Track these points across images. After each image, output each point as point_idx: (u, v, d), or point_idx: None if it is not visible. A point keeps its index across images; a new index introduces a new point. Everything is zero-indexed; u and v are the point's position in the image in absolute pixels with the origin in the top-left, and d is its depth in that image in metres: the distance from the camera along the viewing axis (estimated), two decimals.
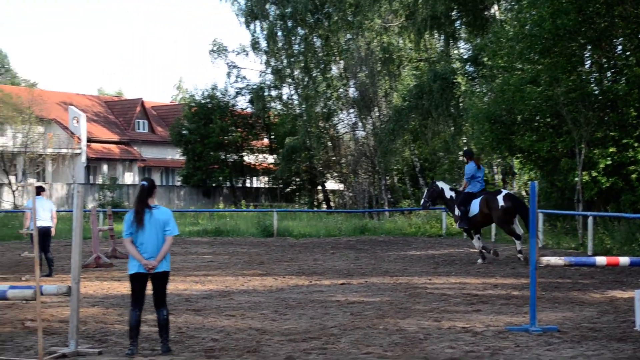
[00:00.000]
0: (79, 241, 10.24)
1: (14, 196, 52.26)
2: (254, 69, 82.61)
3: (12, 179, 53.91)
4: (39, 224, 19.28)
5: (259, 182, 70.66)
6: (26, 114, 55.43)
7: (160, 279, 10.48)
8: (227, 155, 63.60)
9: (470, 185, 22.02)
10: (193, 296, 15.91)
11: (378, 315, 13.17)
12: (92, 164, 67.49)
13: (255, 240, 33.15)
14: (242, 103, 63.44)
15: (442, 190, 22.90)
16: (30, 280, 18.45)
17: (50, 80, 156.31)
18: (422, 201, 23.99)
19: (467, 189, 22.08)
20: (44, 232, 19.55)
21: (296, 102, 55.74)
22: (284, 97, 58.04)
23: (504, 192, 22.44)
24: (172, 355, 10.23)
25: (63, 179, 61.95)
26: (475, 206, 21.70)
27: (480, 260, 22.06)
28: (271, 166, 64.45)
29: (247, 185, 69.05)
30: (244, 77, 61.16)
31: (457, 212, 22.13)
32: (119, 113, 74.36)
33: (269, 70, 55.91)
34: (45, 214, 19.61)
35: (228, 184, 64.87)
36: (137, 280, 10.44)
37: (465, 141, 41.33)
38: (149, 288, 10.52)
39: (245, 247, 29.42)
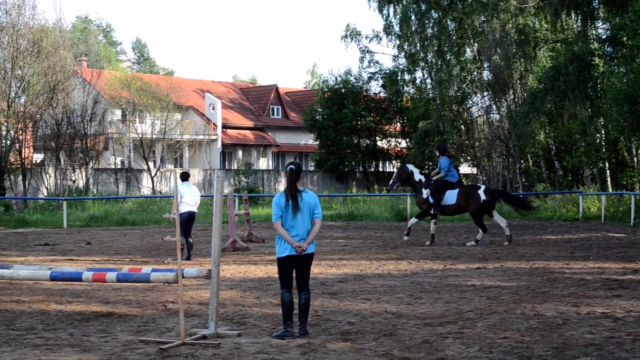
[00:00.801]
0: (219, 225, 10.45)
1: (153, 182, 53.67)
2: (387, 53, 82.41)
3: (151, 165, 55.38)
4: (186, 209, 19.81)
5: (392, 167, 70.58)
6: (164, 101, 56.81)
7: (308, 262, 10.63)
8: (360, 140, 63.73)
9: (448, 176, 23.36)
10: (328, 280, 16.07)
11: (515, 300, 13.03)
12: (228, 150, 68.68)
13: (388, 224, 33.19)
14: (375, 88, 63.49)
15: (412, 172, 24.02)
16: (172, 263, 18.96)
17: (187, 68, 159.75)
18: (391, 181, 25.09)
19: (446, 179, 23.26)
20: (190, 217, 20.06)
21: (429, 86, 55.38)
22: (417, 81, 57.68)
23: (483, 186, 24.16)
24: (308, 337, 10.36)
25: (199, 164, 63.28)
26: (452, 197, 23.15)
27: (428, 243, 23.69)
28: (404, 150, 64.24)
29: (380, 169, 69.06)
30: (377, 62, 61.12)
31: (425, 195, 23.38)
32: (253, 99, 75.40)
33: (402, 54, 55.66)
34: (191, 200, 20.09)
35: (361, 168, 65.04)
36: (288, 263, 10.56)
37: (602, 123, 40.36)
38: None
39: (378, 231, 29.50)
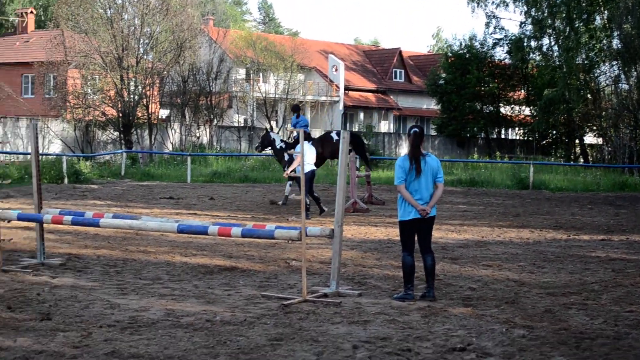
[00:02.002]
0: (343, 186, 10.48)
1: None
2: (514, 19, 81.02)
3: (273, 124, 55.89)
4: (306, 168, 19.96)
5: (515, 134, 69.58)
6: (288, 61, 57.14)
7: (430, 225, 10.60)
8: (483, 106, 62.94)
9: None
10: (449, 244, 16.00)
11: None
12: (349, 112, 68.80)
13: (509, 192, 32.79)
14: (500, 54, 62.48)
15: (274, 140, 24.56)
16: (295, 221, 19.15)
17: (312, 30, 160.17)
18: (256, 145, 26.75)
19: (294, 135, 24.02)
20: (310, 176, 20.23)
21: (556, 54, 54.21)
22: (544, 48, 56.51)
23: (335, 131, 25.50)
24: (429, 301, 10.35)
25: (321, 125, 63.53)
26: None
27: (280, 202, 24.13)
28: (527, 118, 63.22)
29: (502, 136, 68.16)
30: (503, 28, 60.18)
31: (286, 157, 23.40)
32: (376, 62, 75.21)
33: (529, 20, 54.57)
34: (312, 159, 20.22)
35: (483, 134, 64.30)
36: (411, 226, 10.53)
37: None
38: None
39: (499, 199, 29.19)
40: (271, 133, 25.41)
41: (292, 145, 24.13)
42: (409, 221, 10.50)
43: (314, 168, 20.35)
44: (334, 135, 24.77)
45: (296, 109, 26.06)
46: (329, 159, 25.07)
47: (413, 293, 10.52)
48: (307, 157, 19.96)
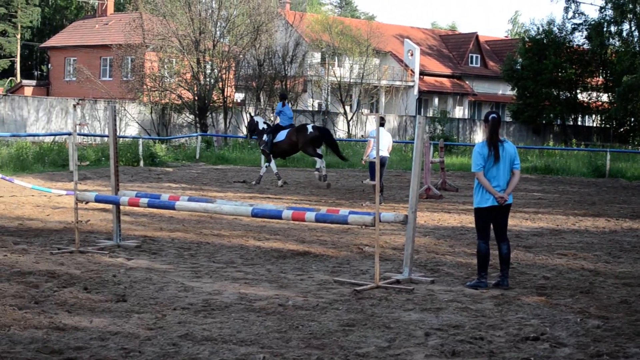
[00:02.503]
0: (417, 172, 10.45)
1: (349, 126, 54.17)
2: (594, 4, 79.73)
3: (347, 109, 55.85)
4: (380, 154, 19.90)
5: (592, 121, 68.56)
6: (364, 46, 57.02)
7: (506, 212, 10.54)
8: (560, 92, 62.05)
9: (280, 120, 25.70)
10: (523, 232, 15.85)
11: None
12: (424, 97, 68.47)
13: (585, 180, 32.35)
14: (579, 39, 61.51)
15: (257, 122, 26.24)
16: (369, 207, 19.15)
17: (388, 14, 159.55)
18: (245, 134, 28.71)
19: (277, 122, 25.76)
20: (382, 162, 20.19)
21: (636, 39, 53.22)
22: (624, 33, 55.52)
23: (311, 124, 27.18)
24: (502, 289, 10.27)
25: (395, 110, 63.38)
26: (282, 135, 25.30)
27: (254, 183, 25.48)
28: (605, 105, 62.22)
29: (579, 123, 67.20)
30: (582, 13, 59.24)
31: (265, 138, 25.38)
32: (452, 47, 74.68)
33: (610, 5, 53.63)
34: (384, 145, 20.19)
35: (559, 121, 63.43)
36: (487, 213, 10.47)
37: None
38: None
39: (575, 187, 28.81)
40: (255, 117, 27.17)
41: (274, 128, 25.64)
42: (485, 208, 10.43)
43: (386, 155, 20.28)
44: (309, 127, 25.73)
45: (283, 97, 27.26)
46: (300, 150, 26.09)
47: (486, 281, 10.46)
48: (381, 142, 19.92)
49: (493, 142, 10.37)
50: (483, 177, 10.34)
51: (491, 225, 10.54)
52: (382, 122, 20.50)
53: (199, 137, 38.68)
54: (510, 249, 10.59)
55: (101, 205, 16.35)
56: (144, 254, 12.33)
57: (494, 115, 10.47)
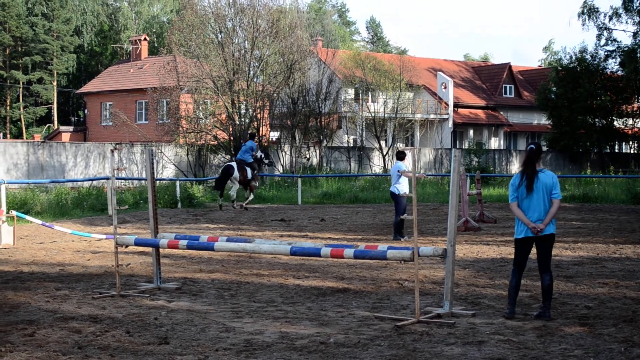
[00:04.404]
0: (455, 204, 10.45)
1: (384, 160, 54.17)
2: (627, 30, 79.24)
3: (383, 143, 55.88)
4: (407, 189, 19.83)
5: (629, 148, 68.05)
6: (397, 80, 57.15)
7: (547, 242, 10.49)
8: (595, 120, 61.69)
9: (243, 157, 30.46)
10: (563, 262, 15.74)
11: None
12: (459, 129, 68.39)
13: (625, 207, 32.11)
14: (612, 66, 61.19)
15: (231, 167, 30.18)
16: (407, 241, 19.13)
17: (420, 47, 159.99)
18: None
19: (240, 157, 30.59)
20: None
21: None
22: None
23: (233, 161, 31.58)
24: (545, 320, 10.21)
25: (430, 143, 63.33)
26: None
27: (236, 206, 30.21)
28: None
29: (616, 150, 66.72)
30: (615, 39, 58.83)
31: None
32: (485, 78, 74.65)
33: None
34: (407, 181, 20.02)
35: (596, 149, 63.02)
36: (524, 244, 10.50)
37: None
38: (533, 252, 10.61)
39: (614, 214, 28.59)
40: (230, 164, 30.85)
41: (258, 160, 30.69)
42: (521, 239, 10.45)
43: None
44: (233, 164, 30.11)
45: (251, 136, 32.66)
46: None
47: (512, 310, 10.42)
48: (405, 179, 19.83)
49: (524, 172, 10.42)
50: (516, 207, 10.39)
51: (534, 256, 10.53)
52: (401, 156, 20.32)
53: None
54: (552, 281, 10.53)
55: (141, 249, 16.46)
56: (185, 295, 12.40)
57: (532, 145, 10.50)
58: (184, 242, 12.21)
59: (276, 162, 48.82)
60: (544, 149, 64.86)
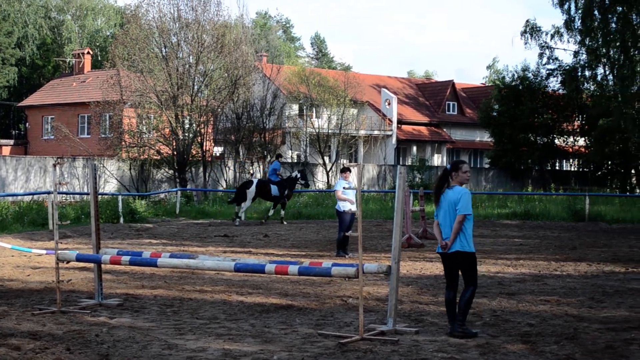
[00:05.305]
0: (400, 222, 10.48)
1: (328, 176, 54.26)
2: (568, 49, 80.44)
3: (327, 159, 55.97)
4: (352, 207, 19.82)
5: (569, 165, 68.97)
6: (341, 96, 57.33)
7: (453, 259, 10.47)
8: (537, 138, 62.44)
9: (271, 177, 32.56)
10: (506, 279, 15.86)
11: None
12: (402, 146, 68.78)
13: (565, 224, 32.49)
14: (554, 84, 61.98)
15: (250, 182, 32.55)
16: (352, 258, 19.11)
17: (365, 63, 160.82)
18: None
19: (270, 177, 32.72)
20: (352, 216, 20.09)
21: (611, 83, 53.70)
22: (598, 77, 56.02)
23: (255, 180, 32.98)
24: (488, 338, 10.25)
25: (374, 160, 63.57)
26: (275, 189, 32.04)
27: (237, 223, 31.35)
28: (582, 149, 62.68)
29: (557, 168, 67.58)
30: (557, 58, 59.57)
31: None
32: (429, 95, 75.23)
33: (583, 50, 54.18)
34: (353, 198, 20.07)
35: (537, 166, 63.75)
36: (443, 260, 10.61)
37: None
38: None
39: (555, 232, 28.91)
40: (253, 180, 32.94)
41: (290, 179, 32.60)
42: (440, 255, 10.55)
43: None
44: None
45: (277, 156, 35.02)
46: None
47: (454, 328, 10.41)
48: (352, 195, 19.78)
49: (434, 189, 10.58)
50: (435, 225, 10.57)
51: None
52: (343, 173, 20.26)
53: (179, 192, 38.60)
54: (469, 297, 10.39)
55: (82, 264, 16.25)
56: (127, 312, 12.25)
57: (448, 165, 10.65)
58: (126, 258, 12.08)
59: (219, 177, 48.64)
60: (486, 166, 65.43)
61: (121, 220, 31.26)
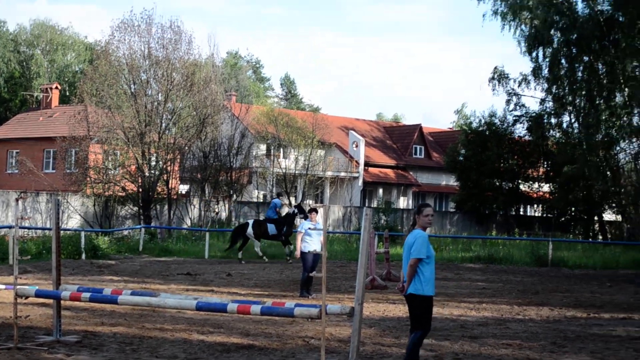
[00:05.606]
0: (364, 263, 10.45)
1: (259, 217, 54.11)
2: (535, 96, 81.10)
3: (292, 200, 55.93)
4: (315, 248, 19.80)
5: (534, 211, 69.35)
6: (309, 137, 57.44)
7: (410, 301, 10.50)
8: (502, 183, 62.76)
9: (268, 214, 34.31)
10: (468, 323, 15.85)
11: None
12: (368, 188, 68.92)
13: (528, 269, 32.59)
14: (520, 130, 62.36)
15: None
16: (315, 299, 19.04)
17: (333, 105, 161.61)
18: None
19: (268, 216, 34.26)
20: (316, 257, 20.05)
21: (576, 131, 54.21)
22: (564, 125, 56.53)
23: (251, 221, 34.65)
24: None
25: (340, 201, 63.62)
26: (272, 229, 33.22)
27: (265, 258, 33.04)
28: (546, 195, 63.08)
29: (521, 213, 67.94)
30: (523, 105, 60.02)
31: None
32: (396, 138, 75.60)
33: (550, 97, 54.70)
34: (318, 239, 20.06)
35: (502, 211, 63.99)
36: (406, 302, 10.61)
37: None
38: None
39: (519, 276, 28.99)
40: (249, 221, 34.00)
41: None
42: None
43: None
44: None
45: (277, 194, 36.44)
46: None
47: None
48: (316, 237, 19.78)
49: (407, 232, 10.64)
50: (402, 269, 10.55)
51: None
52: (307, 214, 20.39)
53: (142, 229, 38.35)
54: (416, 341, 10.36)
55: (41, 300, 16.04)
56: (85, 349, 12.09)
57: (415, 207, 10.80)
58: (86, 295, 11.94)
59: (184, 215, 48.43)
60: (452, 210, 65.62)
61: (83, 256, 30.98)
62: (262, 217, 40.95)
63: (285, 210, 35.72)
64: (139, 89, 44.70)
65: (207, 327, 14.56)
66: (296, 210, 33.11)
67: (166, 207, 46.41)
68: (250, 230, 32.91)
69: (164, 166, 45.41)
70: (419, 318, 10.42)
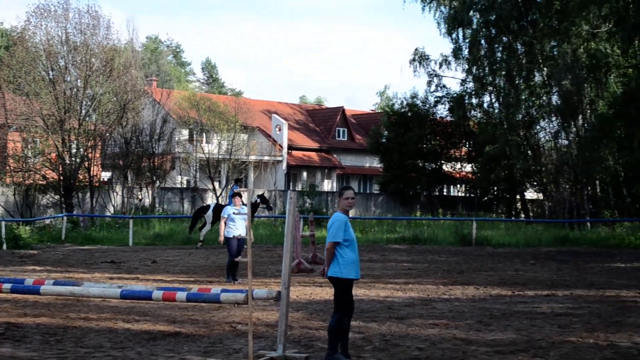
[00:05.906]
0: (290, 247, 10.41)
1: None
2: (455, 77, 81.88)
3: (217, 185, 55.65)
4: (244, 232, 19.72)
5: (457, 191, 70.14)
6: (231, 122, 57.14)
7: (334, 285, 10.50)
8: (425, 164, 63.30)
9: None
10: (395, 304, 15.92)
11: (587, 329, 12.75)
12: (292, 171, 68.89)
13: (453, 249, 32.94)
14: (442, 111, 62.99)
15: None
16: (241, 284, 18.96)
17: (255, 89, 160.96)
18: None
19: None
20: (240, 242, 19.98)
21: (497, 110, 54.85)
22: (485, 105, 57.16)
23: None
24: None
25: (264, 185, 63.50)
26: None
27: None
28: (469, 175, 63.82)
29: (445, 193, 68.65)
30: (444, 86, 60.57)
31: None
32: (319, 121, 75.64)
33: (470, 78, 55.20)
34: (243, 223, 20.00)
35: (425, 192, 64.57)
36: None
37: None
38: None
39: (443, 256, 29.27)
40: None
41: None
42: None
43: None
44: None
45: (236, 180, 34.29)
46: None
47: (339, 354, 10.31)
48: (240, 221, 19.71)
49: None
50: None
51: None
52: (266, 203, 20.46)
53: (65, 218, 37.80)
54: (334, 322, 10.31)
55: None
56: (7, 341, 11.83)
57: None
58: (7, 286, 11.66)
59: (107, 202, 47.86)
60: (376, 192, 65.97)
61: (4, 246, 30.46)
62: (189, 205, 40.68)
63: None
64: (57, 75, 43.98)
65: (132, 315, 14.38)
66: (259, 200, 32.84)
67: (88, 194, 45.80)
68: (210, 213, 32.72)
69: (85, 153, 44.79)
70: (338, 300, 10.40)
